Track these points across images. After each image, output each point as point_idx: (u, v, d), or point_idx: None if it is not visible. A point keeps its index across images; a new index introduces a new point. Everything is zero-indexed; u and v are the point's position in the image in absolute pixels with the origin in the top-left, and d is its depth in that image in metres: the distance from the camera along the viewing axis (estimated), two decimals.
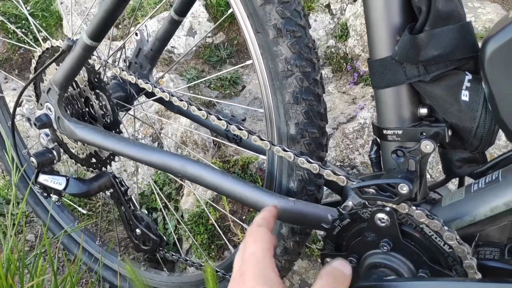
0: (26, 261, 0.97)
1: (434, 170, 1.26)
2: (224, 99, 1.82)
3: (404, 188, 0.63)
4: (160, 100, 1.24)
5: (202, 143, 1.56)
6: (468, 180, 0.73)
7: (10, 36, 2.48)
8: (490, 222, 0.65)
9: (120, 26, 2.23)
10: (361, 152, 1.34)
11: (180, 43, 2.01)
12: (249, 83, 1.90)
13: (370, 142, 0.77)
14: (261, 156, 0.94)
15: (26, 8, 2.52)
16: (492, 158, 0.70)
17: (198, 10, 2.05)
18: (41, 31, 2.34)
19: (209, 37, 2.06)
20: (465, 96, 0.64)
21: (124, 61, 1.25)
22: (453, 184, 0.95)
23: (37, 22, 2.52)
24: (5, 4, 2.54)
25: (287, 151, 0.76)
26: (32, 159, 1.07)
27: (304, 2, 1.98)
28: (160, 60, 1.96)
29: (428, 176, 1.28)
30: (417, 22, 0.63)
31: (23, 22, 2.50)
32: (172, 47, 2.01)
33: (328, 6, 1.93)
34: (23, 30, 2.49)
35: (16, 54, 2.46)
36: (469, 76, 0.64)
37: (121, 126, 1.07)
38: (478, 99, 0.64)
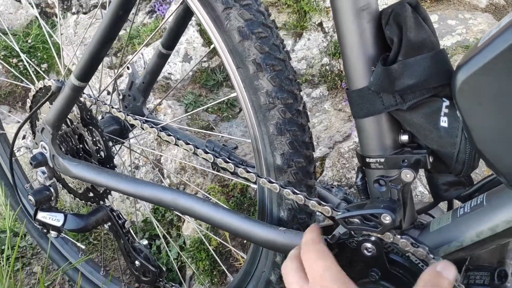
0: None
1: None
2: (222, 122, 1.83)
3: (387, 218, 0.63)
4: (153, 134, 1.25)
5: (201, 168, 1.57)
6: (456, 203, 0.73)
7: (13, 69, 2.53)
8: (477, 247, 0.65)
9: (118, 55, 2.27)
10: None
11: (176, 69, 2.04)
12: None
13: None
14: (252, 186, 0.95)
15: (27, 41, 2.58)
16: (478, 181, 0.70)
17: (192, 36, 2.08)
18: (40, 64, 2.39)
19: (204, 61, 2.08)
20: (444, 122, 0.65)
21: (118, 94, 1.27)
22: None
23: (38, 54, 2.57)
24: (8, 38, 2.59)
25: (273, 182, 0.76)
26: (30, 197, 1.08)
27: (297, 21, 2.00)
28: (157, 87, 1.99)
29: (426, 192, 1.28)
30: (390, 52, 0.64)
31: (25, 55, 2.56)
32: (169, 73, 2.04)
33: (320, 24, 1.95)
34: (25, 63, 2.54)
35: (19, 87, 2.50)
36: (446, 103, 0.64)
37: (120, 156, 1.08)
38: (457, 124, 0.64)
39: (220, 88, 2.02)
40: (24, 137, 2.10)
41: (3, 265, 0.88)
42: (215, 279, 1.39)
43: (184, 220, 1.56)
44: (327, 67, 1.88)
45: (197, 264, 1.42)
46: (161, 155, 1.67)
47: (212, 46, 0.83)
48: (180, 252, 1.43)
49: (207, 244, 1.29)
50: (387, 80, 0.63)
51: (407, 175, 0.63)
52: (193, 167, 1.59)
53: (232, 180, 1.54)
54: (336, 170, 1.35)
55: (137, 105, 1.24)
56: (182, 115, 1.71)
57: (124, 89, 1.26)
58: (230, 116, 1.88)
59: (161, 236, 1.45)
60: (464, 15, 1.73)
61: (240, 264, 1.37)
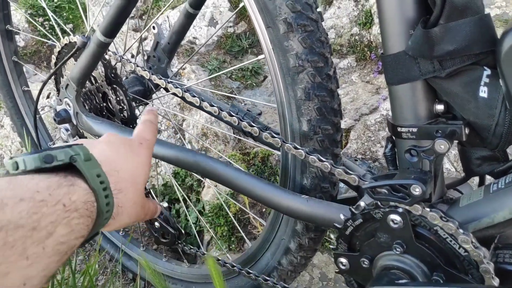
0: None
1: (460, 165, 1.22)
2: (245, 89, 1.80)
3: (416, 190, 0.60)
4: (177, 94, 1.24)
5: (222, 135, 1.56)
6: (489, 179, 0.70)
7: (38, 29, 2.53)
8: (509, 225, 0.62)
9: (144, 17, 2.24)
10: (383, 144, 1.31)
11: (201, 33, 2.00)
12: None
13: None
14: (276, 152, 0.93)
15: (53, 0, 2.57)
16: None
17: (219, 0, 2.04)
18: (65, 24, 2.38)
19: (230, 27, 2.04)
20: (483, 92, 0.61)
21: (143, 54, 1.25)
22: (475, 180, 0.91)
23: (64, 14, 2.56)
24: None
25: (298, 148, 0.74)
26: None
27: None
28: (182, 51, 1.96)
29: (453, 169, 1.24)
30: (431, 15, 0.60)
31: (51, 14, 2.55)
32: (194, 37, 2.01)
33: None
34: (51, 23, 2.53)
35: (45, 47, 2.51)
36: (487, 72, 0.61)
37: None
38: (497, 95, 0.61)
39: (245, 55, 1.98)
40: (48, 96, 2.11)
41: None
42: (233, 245, 1.39)
43: (204, 185, 1.56)
44: (357, 37, 1.83)
45: (215, 229, 1.43)
46: (183, 119, 1.66)
47: (241, 5, 0.80)
48: (199, 215, 1.43)
49: (227, 210, 1.29)
50: (426, 44, 0.59)
51: (441, 145, 0.61)
52: (215, 134, 1.58)
53: (253, 148, 1.52)
54: (361, 143, 1.32)
55: (161, 67, 1.22)
56: (206, 78, 1.68)
57: (149, 50, 1.25)
58: (254, 84, 1.85)
59: (181, 200, 1.45)
60: None
61: (258, 231, 1.37)
